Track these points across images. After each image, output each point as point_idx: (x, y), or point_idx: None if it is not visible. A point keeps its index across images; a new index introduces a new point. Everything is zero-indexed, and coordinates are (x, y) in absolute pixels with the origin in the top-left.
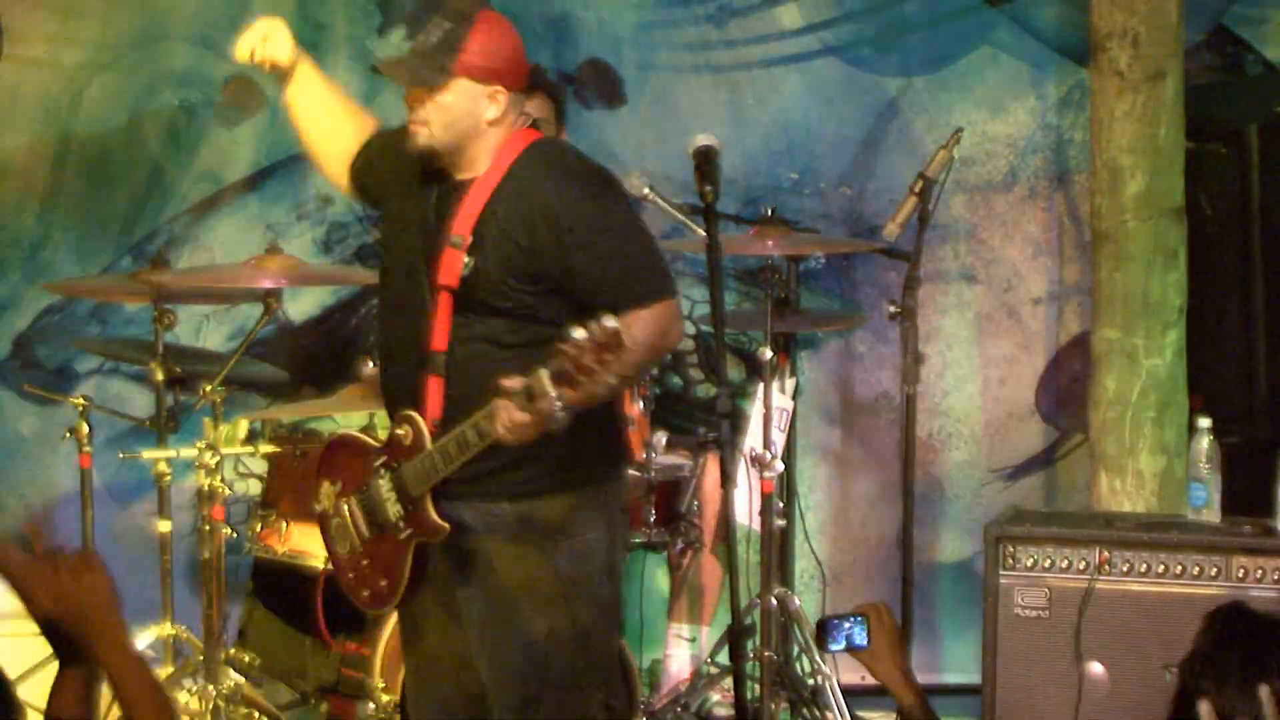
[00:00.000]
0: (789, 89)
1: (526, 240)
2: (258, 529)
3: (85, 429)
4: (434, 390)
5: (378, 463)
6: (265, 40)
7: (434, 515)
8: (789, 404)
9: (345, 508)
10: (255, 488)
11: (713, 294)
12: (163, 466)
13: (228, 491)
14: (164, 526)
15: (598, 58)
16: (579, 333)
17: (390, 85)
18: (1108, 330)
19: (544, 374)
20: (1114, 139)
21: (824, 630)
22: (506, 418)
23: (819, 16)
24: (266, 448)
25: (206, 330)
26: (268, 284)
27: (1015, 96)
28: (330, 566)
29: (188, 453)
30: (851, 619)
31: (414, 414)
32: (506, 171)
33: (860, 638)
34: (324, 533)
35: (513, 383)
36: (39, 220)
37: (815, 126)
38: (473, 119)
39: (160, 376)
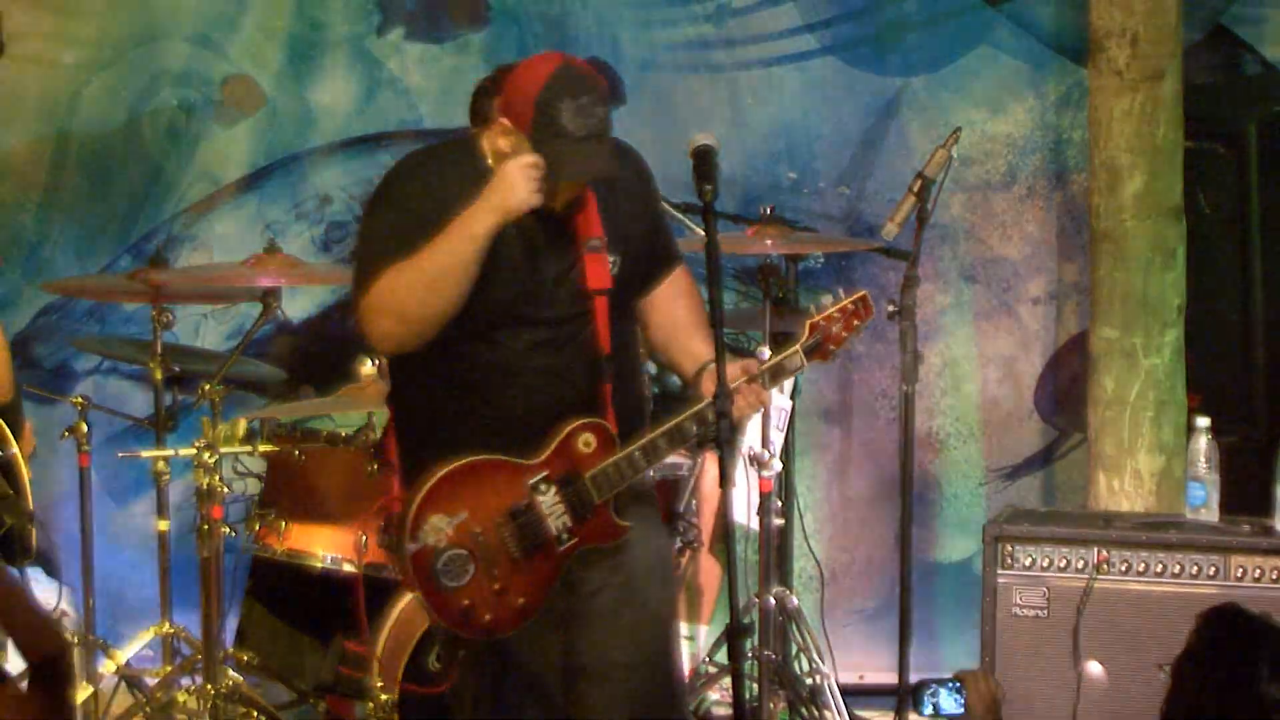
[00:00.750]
0: (788, 88)
1: (645, 217)
2: (256, 528)
3: (84, 428)
4: (609, 393)
5: (534, 479)
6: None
7: (615, 517)
8: (787, 403)
9: (479, 535)
10: (254, 487)
11: (711, 293)
12: (161, 465)
13: (226, 490)
14: (163, 525)
15: (597, 57)
16: (827, 300)
17: (387, 85)
18: (1106, 330)
19: (798, 349)
20: (1113, 138)
21: (918, 692)
22: (755, 399)
23: (817, 16)
24: (265, 447)
25: (205, 329)
26: (266, 283)
27: (1014, 96)
28: (425, 599)
29: (186, 452)
30: (948, 684)
31: (598, 420)
32: None
33: (952, 704)
34: (420, 569)
35: (754, 363)
36: (37, 219)
37: (814, 126)
38: None
39: (159, 376)
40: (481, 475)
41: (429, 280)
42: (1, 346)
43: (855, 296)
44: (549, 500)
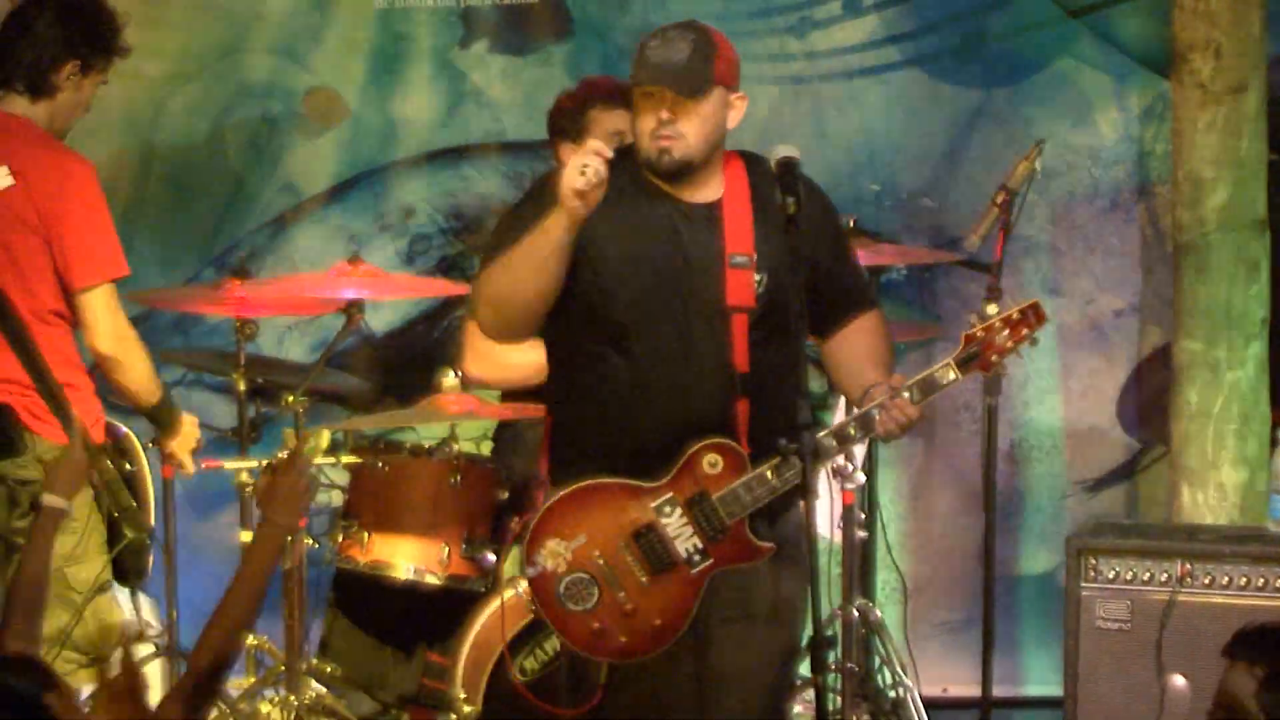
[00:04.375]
0: (870, 100)
1: (810, 251)
2: (339, 540)
3: None
4: (742, 413)
5: (658, 502)
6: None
7: (754, 538)
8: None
9: (600, 560)
10: (337, 498)
11: (797, 305)
12: (245, 477)
13: None
14: (246, 537)
15: None
16: (992, 309)
17: (472, 97)
18: (1190, 342)
19: (949, 361)
20: (1196, 151)
21: None
22: (902, 415)
23: (900, 28)
24: (348, 458)
25: (289, 341)
26: (350, 295)
27: (1097, 108)
28: (543, 613)
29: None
30: None
31: (725, 441)
32: (749, 184)
33: None
34: (543, 594)
35: (900, 379)
36: (121, 231)
37: (897, 138)
38: (723, 128)
39: (242, 387)
40: (600, 498)
41: (512, 271)
42: (138, 349)
43: (1025, 304)
44: (675, 522)
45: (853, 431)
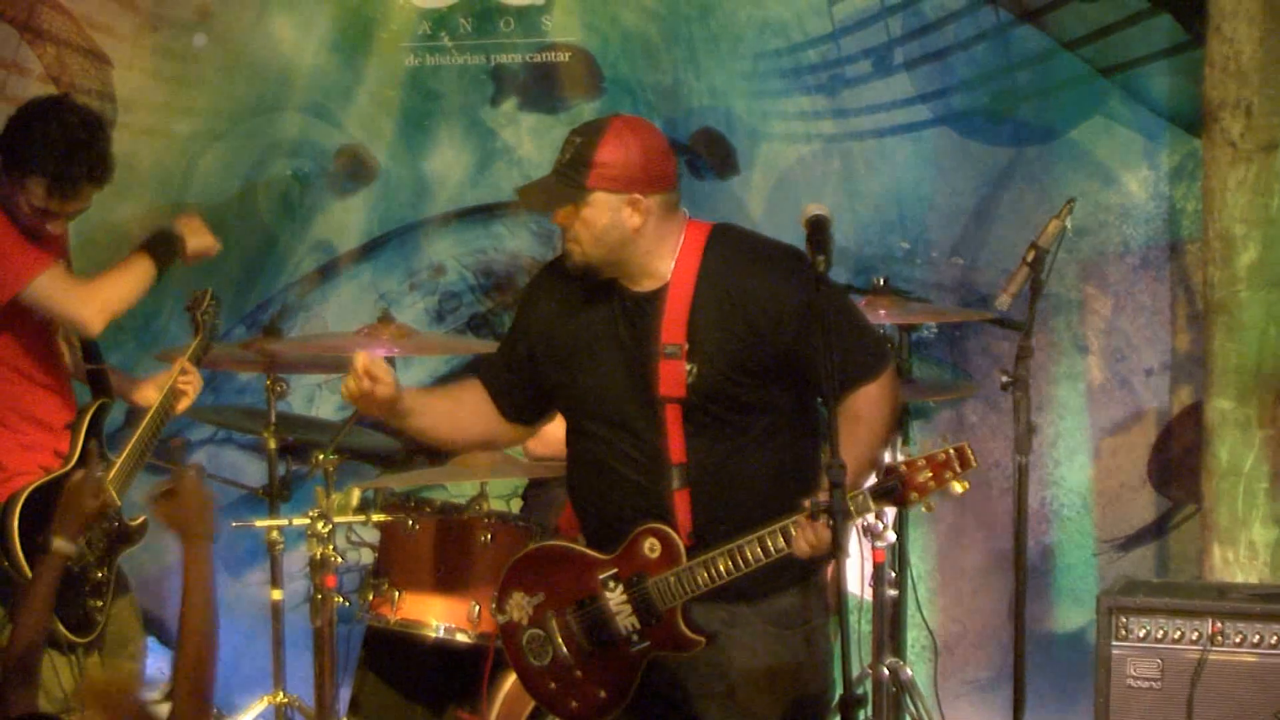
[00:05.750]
0: (901, 158)
1: (748, 334)
2: (370, 598)
3: None
4: (681, 503)
5: (604, 575)
6: (371, 378)
7: (686, 630)
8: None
9: (552, 620)
10: (367, 556)
11: (827, 364)
12: (275, 535)
13: (340, 560)
14: (276, 595)
15: (710, 127)
16: (913, 451)
17: (501, 155)
18: (1221, 401)
19: (867, 493)
20: (1227, 209)
21: None
22: (813, 536)
23: (930, 86)
24: (379, 517)
25: (319, 399)
26: (380, 353)
27: (1128, 166)
28: (534, 669)
29: (300, 521)
30: None
31: (664, 528)
32: (699, 270)
33: None
34: (510, 642)
35: (817, 500)
36: (153, 289)
37: (927, 196)
38: (619, 230)
39: (273, 445)
40: (560, 562)
41: None
42: (95, 289)
43: (954, 447)
44: (616, 598)
45: (781, 542)
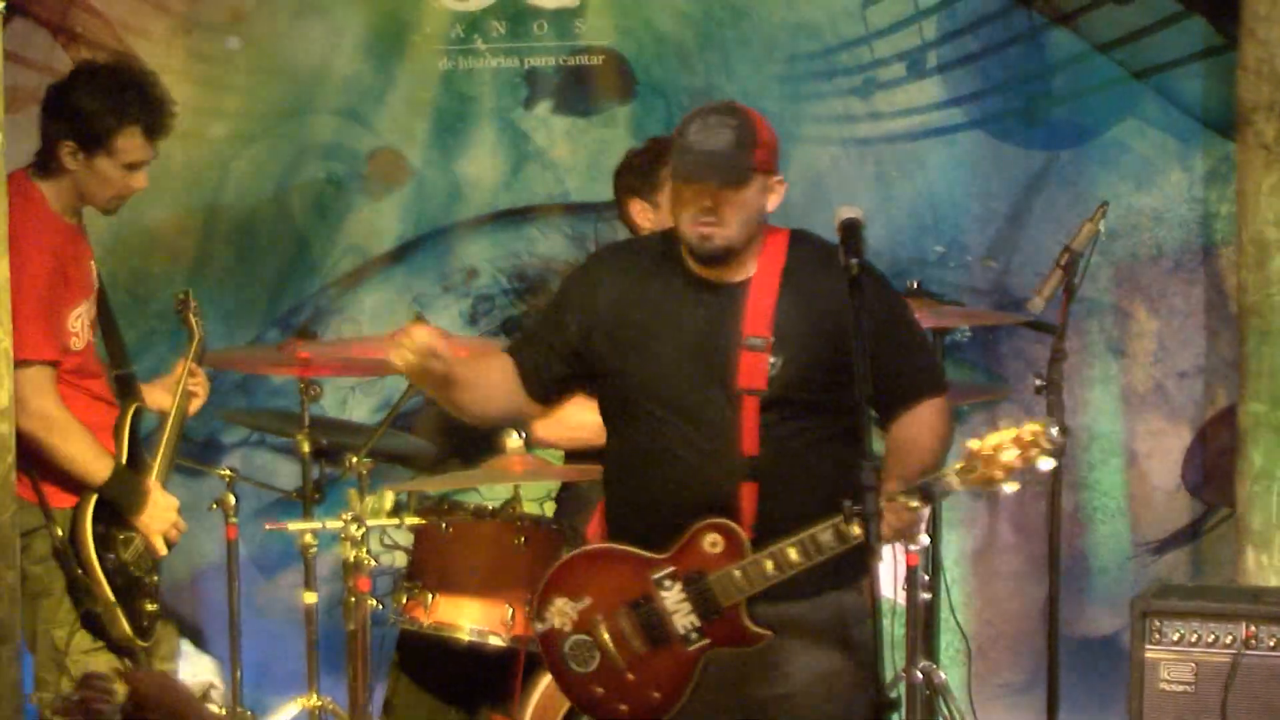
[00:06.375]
0: (934, 161)
1: (832, 333)
2: (403, 601)
3: (232, 500)
4: (748, 496)
5: (658, 575)
6: (433, 355)
7: (750, 624)
8: None
9: (601, 624)
10: (401, 559)
11: (861, 368)
12: (308, 538)
13: (373, 563)
14: (309, 598)
15: None
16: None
17: (535, 158)
18: (1254, 404)
19: (951, 471)
20: (1260, 212)
21: None
22: (896, 520)
23: (964, 90)
24: (412, 520)
25: (352, 402)
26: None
27: (1161, 170)
28: (572, 675)
29: (333, 524)
30: None
31: (728, 523)
32: (784, 267)
33: None
34: (551, 651)
35: (893, 484)
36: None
37: (961, 199)
38: (762, 212)
39: (306, 448)
40: (607, 564)
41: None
42: (69, 430)
43: (1039, 427)
44: (673, 596)
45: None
